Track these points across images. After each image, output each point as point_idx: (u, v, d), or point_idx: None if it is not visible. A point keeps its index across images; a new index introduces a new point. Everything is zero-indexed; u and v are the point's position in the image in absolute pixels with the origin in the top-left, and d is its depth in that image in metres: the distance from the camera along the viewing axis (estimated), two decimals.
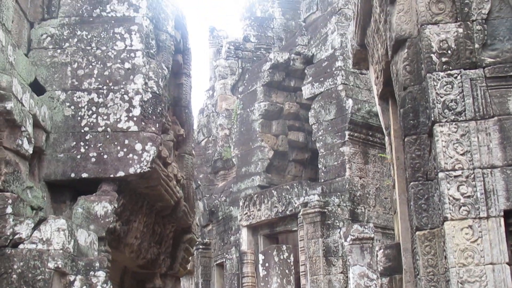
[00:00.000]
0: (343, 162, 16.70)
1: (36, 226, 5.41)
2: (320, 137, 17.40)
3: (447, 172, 5.27)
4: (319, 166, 17.43)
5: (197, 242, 14.52)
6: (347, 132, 16.77)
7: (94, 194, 6.37)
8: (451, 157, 5.29)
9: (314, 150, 18.55)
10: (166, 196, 7.25)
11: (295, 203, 16.71)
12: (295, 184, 17.32)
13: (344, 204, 16.17)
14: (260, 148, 19.12)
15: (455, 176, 5.25)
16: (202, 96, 26.72)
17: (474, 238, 5.13)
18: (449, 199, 5.21)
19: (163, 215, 7.75)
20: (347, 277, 14.77)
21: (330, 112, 17.30)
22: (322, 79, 17.94)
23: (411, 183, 5.66)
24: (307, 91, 18.42)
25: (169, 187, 7.20)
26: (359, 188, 16.61)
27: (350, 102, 16.92)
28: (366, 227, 13.91)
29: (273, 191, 17.68)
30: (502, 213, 5.13)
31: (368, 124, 17.00)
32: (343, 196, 16.23)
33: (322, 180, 17.11)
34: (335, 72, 17.60)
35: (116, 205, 6.32)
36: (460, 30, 5.51)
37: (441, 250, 5.36)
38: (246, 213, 18.10)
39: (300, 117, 19.69)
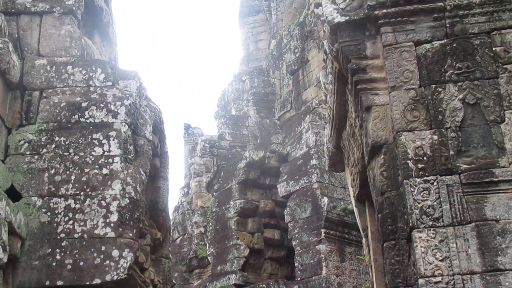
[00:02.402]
0: (319, 260, 16.56)
1: None
2: (296, 235, 17.31)
3: (427, 279, 5.24)
4: (295, 264, 17.26)
5: None
6: (323, 230, 16.69)
7: None
8: (431, 263, 5.27)
9: (290, 248, 18.41)
10: None
11: None
12: (271, 283, 17.11)
13: None
14: (236, 246, 18.95)
15: (435, 283, 5.22)
16: (177, 193, 26.58)
17: None
18: None
19: None
20: None
21: (305, 210, 17.28)
22: (297, 177, 18.02)
23: None
24: (282, 189, 18.47)
25: None
26: (336, 286, 16.40)
27: (325, 200, 16.94)
28: None
29: None
30: None
31: (344, 221, 16.96)
32: None
33: (299, 279, 16.91)
34: (310, 170, 17.70)
35: None
36: (435, 137, 5.60)
37: None
38: None
39: (276, 215, 19.63)
